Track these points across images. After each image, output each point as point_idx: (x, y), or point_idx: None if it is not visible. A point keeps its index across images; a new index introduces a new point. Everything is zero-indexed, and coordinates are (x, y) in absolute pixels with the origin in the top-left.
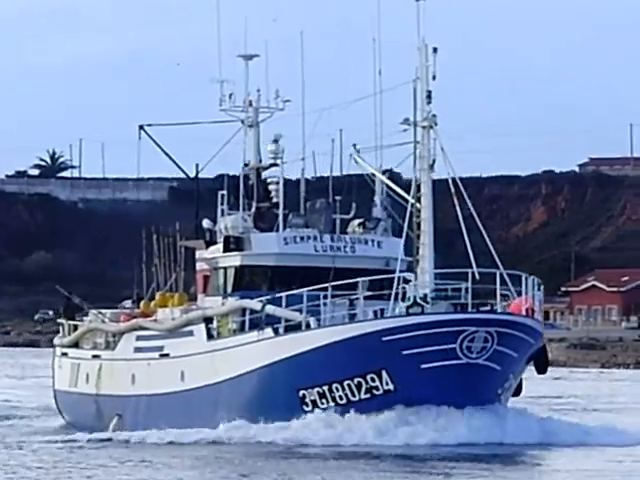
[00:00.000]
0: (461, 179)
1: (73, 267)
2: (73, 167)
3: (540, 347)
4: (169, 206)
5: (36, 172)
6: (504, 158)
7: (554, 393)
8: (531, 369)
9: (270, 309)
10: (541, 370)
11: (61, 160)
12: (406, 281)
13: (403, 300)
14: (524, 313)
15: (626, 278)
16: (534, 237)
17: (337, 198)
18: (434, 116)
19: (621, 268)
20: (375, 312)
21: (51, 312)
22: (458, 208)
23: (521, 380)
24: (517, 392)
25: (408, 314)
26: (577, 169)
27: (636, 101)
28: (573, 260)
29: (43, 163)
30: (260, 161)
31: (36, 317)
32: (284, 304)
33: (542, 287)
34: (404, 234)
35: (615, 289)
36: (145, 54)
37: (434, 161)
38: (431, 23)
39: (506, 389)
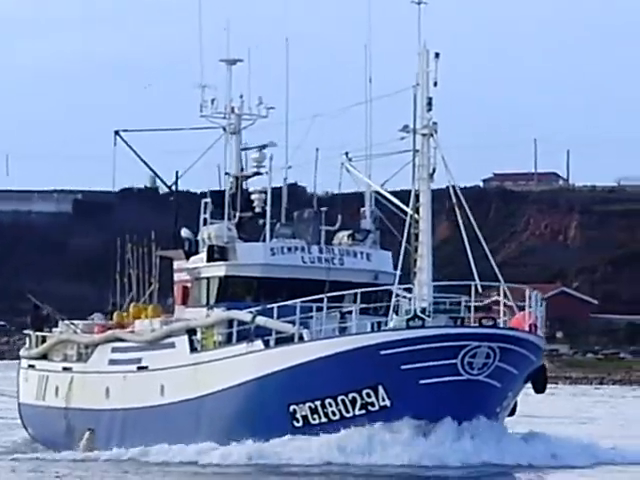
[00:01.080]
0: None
1: None
2: None
3: (540, 366)
4: (73, 219)
5: None
6: (406, 172)
7: None
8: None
9: (261, 320)
10: (539, 389)
11: None
12: (396, 295)
13: (397, 314)
14: (527, 329)
15: None
16: (438, 252)
17: (323, 209)
18: (435, 123)
19: (524, 284)
20: (372, 325)
21: None
22: (460, 219)
23: (516, 399)
24: (512, 412)
25: (408, 327)
26: (481, 184)
27: (540, 116)
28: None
29: None
30: (242, 170)
31: None
32: (275, 316)
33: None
34: (403, 246)
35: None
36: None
37: (434, 170)
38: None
39: (504, 407)
